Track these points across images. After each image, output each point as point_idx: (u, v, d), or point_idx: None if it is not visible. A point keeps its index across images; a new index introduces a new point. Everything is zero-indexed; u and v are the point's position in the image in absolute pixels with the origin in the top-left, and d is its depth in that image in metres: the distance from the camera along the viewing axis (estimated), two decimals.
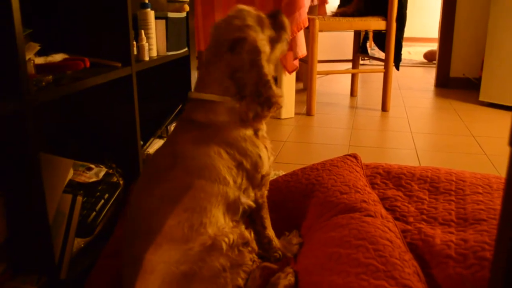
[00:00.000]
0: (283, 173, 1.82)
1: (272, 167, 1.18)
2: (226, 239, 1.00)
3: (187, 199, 1.00)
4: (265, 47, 1.11)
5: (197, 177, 1.03)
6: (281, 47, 1.19)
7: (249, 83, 1.08)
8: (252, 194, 1.12)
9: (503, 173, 1.97)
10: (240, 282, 0.99)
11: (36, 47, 1.23)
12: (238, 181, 1.08)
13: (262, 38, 1.11)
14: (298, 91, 3.83)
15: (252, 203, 1.12)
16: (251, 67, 1.08)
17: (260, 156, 1.10)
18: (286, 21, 1.19)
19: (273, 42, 1.16)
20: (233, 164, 1.07)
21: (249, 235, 1.07)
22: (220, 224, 1.02)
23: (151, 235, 0.97)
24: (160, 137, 1.88)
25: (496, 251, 0.62)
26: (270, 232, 1.20)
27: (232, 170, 1.06)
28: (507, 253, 0.57)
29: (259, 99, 1.08)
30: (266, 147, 1.14)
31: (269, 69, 1.11)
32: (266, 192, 1.18)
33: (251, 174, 1.10)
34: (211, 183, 1.03)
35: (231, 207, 1.06)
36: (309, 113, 3.17)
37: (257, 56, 1.08)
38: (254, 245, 1.08)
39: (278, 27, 1.17)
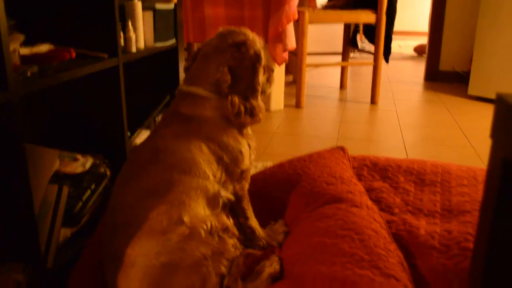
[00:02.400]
0: (272, 164, 1.82)
1: (252, 163, 1.20)
2: (204, 226, 1.00)
3: (166, 193, 1.00)
4: (267, 61, 1.18)
5: (177, 171, 1.03)
6: (269, 84, 1.23)
7: (240, 85, 1.11)
8: (231, 187, 1.13)
9: None
10: (223, 270, 0.99)
11: (21, 37, 1.22)
12: (218, 175, 1.09)
13: (265, 56, 1.17)
14: (287, 84, 3.83)
15: (231, 196, 1.13)
16: (249, 70, 1.12)
17: (241, 152, 1.12)
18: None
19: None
20: (214, 158, 1.08)
21: (228, 221, 1.08)
22: (200, 215, 1.02)
23: (130, 229, 0.98)
24: (148, 128, 1.88)
25: (476, 242, 0.62)
26: (253, 222, 1.20)
27: (212, 164, 1.07)
28: (486, 244, 0.57)
29: (244, 103, 1.11)
30: (249, 145, 1.16)
31: (261, 80, 1.15)
32: (246, 185, 1.19)
33: (231, 169, 1.11)
34: (190, 177, 1.03)
35: (211, 201, 1.07)
36: (298, 105, 3.18)
37: (258, 62, 1.13)
38: (234, 230, 1.09)
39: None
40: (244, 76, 1.12)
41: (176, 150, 1.05)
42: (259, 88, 1.14)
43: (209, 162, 1.07)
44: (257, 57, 1.13)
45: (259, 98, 1.15)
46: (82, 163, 1.36)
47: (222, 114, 1.10)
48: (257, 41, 1.16)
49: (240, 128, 1.14)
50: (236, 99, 1.10)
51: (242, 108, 1.10)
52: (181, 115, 1.10)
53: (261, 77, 1.14)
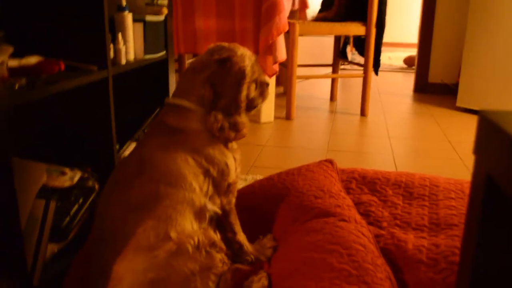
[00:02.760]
0: (261, 177, 1.82)
1: (239, 176, 1.20)
2: (192, 241, 1.00)
3: (152, 206, 1.00)
4: (259, 75, 1.18)
5: (163, 184, 1.02)
6: (262, 99, 1.24)
7: (224, 100, 1.11)
8: (218, 201, 1.13)
9: None
10: (211, 285, 0.99)
11: (10, 49, 1.21)
12: (204, 188, 1.08)
13: (252, 71, 1.16)
14: (278, 95, 3.84)
15: (218, 210, 1.12)
16: (232, 87, 1.12)
17: (227, 164, 1.12)
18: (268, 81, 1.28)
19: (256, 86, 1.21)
20: (200, 171, 1.07)
21: (215, 235, 1.08)
22: (187, 230, 1.02)
23: (117, 244, 0.97)
24: (137, 140, 1.87)
25: (462, 257, 0.63)
26: (241, 237, 1.20)
27: (199, 177, 1.07)
28: (471, 259, 0.58)
29: (227, 119, 1.11)
30: (234, 158, 1.16)
31: (245, 96, 1.15)
32: (233, 200, 1.19)
33: (218, 182, 1.11)
34: (176, 190, 1.03)
35: (198, 214, 1.06)
36: (288, 117, 3.18)
37: (242, 79, 1.13)
38: (222, 245, 1.08)
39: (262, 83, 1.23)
40: (227, 92, 1.12)
41: (161, 162, 1.05)
42: (242, 105, 1.14)
43: (195, 175, 1.06)
44: (242, 73, 1.13)
45: (243, 114, 1.15)
46: (70, 177, 1.35)
47: (207, 127, 1.11)
48: (246, 56, 1.16)
49: (225, 142, 1.14)
50: (219, 115, 1.10)
51: (226, 124, 1.10)
52: (166, 126, 1.10)
53: (245, 93, 1.14)
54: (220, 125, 1.09)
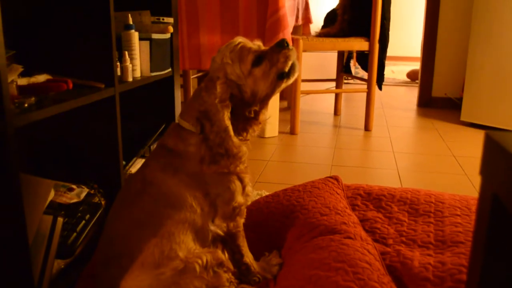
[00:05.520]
0: (266, 193, 1.83)
1: (250, 196, 1.16)
2: (200, 261, 1.00)
3: (155, 225, 1.01)
4: (234, 88, 1.08)
5: (163, 205, 1.03)
6: (277, 69, 1.10)
7: (208, 124, 1.05)
8: (224, 224, 1.10)
9: None
10: None
11: (19, 68, 1.23)
12: (206, 209, 1.07)
13: (236, 76, 1.08)
14: (282, 110, 3.86)
15: (220, 232, 1.10)
16: (214, 107, 1.05)
17: (229, 188, 1.08)
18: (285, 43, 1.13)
19: (263, 70, 1.09)
20: (200, 193, 1.06)
21: (223, 255, 1.07)
22: (191, 248, 1.02)
23: (122, 261, 0.98)
24: (143, 156, 1.88)
25: (469, 277, 0.63)
26: (248, 258, 1.19)
27: (199, 198, 1.06)
28: (478, 280, 0.58)
29: (217, 147, 1.04)
30: (240, 178, 1.11)
31: (225, 117, 1.05)
32: (241, 221, 1.16)
33: (220, 205, 1.08)
34: (177, 210, 1.03)
35: (200, 234, 1.06)
36: (292, 132, 3.19)
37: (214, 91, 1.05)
38: (229, 265, 1.08)
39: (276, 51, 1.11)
40: (211, 115, 1.05)
41: (162, 184, 1.05)
42: (224, 133, 1.04)
43: (196, 197, 1.05)
44: (213, 85, 1.06)
45: (231, 138, 1.04)
46: (77, 193, 1.36)
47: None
48: (227, 64, 1.07)
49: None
50: (210, 142, 1.04)
51: (215, 151, 1.04)
52: (166, 148, 1.10)
53: (224, 115, 1.04)
54: (210, 160, 1.04)
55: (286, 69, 1.11)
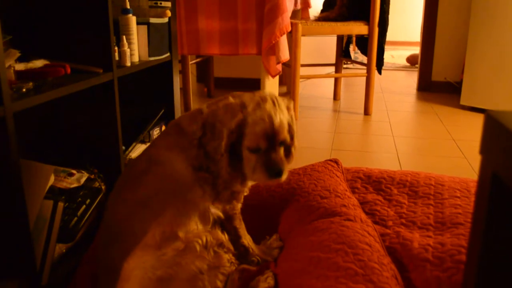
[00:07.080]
0: None
1: (248, 185, 1.17)
2: (200, 241, 1.00)
3: (157, 205, 1.01)
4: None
5: (168, 184, 1.03)
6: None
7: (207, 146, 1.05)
8: (221, 206, 1.12)
9: None
10: (219, 284, 1.00)
11: (16, 53, 1.23)
12: (208, 191, 1.07)
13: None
14: (281, 95, 3.83)
15: (221, 214, 1.12)
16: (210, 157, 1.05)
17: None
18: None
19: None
20: (204, 174, 1.06)
21: (223, 236, 1.08)
22: (193, 229, 1.03)
23: (125, 241, 0.98)
24: (143, 141, 1.88)
25: (468, 256, 0.63)
26: (246, 240, 1.20)
27: (203, 180, 1.06)
28: (478, 258, 0.58)
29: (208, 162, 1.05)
30: None
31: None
32: (238, 205, 1.17)
33: (219, 190, 1.08)
34: (182, 191, 1.04)
35: (202, 216, 1.07)
36: None
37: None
38: (229, 245, 1.09)
39: None
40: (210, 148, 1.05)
41: (167, 162, 1.05)
42: (216, 157, 1.04)
43: (199, 178, 1.06)
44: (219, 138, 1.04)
45: (220, 165, 1.04)
46: (77, 178, 1.36)
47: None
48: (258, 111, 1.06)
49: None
50: (202, 155, 1.05)
51: (205, 165, 1.05)
52: (179, 127, 1.11)
53: (224, 170, 1.04)
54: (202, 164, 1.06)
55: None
